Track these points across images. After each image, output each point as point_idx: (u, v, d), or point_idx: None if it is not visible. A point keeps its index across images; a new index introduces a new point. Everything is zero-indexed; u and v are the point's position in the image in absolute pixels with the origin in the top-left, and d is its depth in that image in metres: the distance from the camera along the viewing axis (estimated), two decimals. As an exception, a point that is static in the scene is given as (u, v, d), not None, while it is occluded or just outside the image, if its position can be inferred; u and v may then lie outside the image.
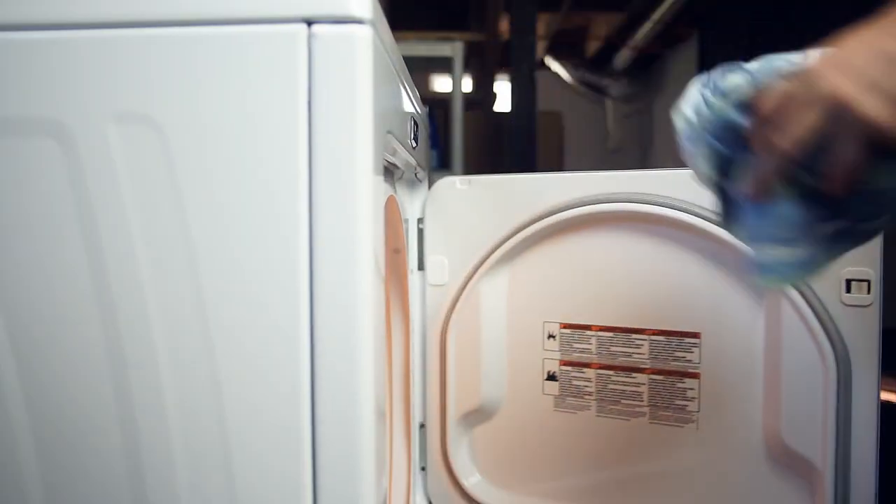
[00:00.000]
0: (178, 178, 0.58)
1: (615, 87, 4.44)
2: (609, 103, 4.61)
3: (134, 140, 0.58)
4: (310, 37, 0.57)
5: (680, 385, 0.96)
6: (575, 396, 1.02)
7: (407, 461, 1.06)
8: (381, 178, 0.66)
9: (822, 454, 0.86)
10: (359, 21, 0.57)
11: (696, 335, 0.95)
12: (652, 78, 4.46)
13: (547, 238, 1.01)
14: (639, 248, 0.97)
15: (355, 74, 0.57)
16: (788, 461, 0.90)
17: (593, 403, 1.01)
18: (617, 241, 0.98)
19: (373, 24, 0.58)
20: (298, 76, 0.57)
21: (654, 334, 0.97)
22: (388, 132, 0.67)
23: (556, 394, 1.03)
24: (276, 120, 0.57)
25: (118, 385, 0.59)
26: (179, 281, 0.58)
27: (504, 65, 3.07)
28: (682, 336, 0.95)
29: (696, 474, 0.96)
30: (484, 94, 3.40)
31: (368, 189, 0.58)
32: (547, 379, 1.03)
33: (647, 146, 4.36)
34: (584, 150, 4.24)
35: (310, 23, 0.57)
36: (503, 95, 3.26)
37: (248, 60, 0.57)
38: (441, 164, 2.81)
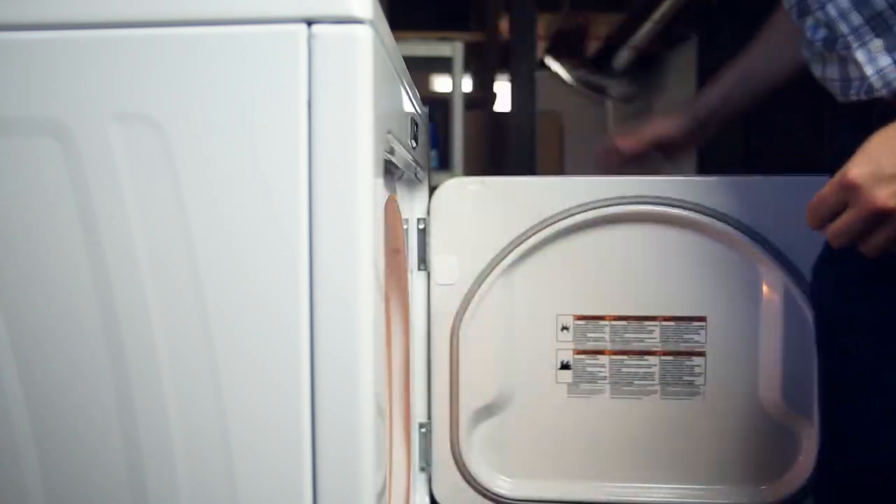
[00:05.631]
0: (179, 177, 0.58)
1: (615, 87, 4.43)
2: (609, 103, 4.60)
3: (134, 140, 0.58)
4: (310, 37, 0.57)
5: (688, 363, 1.06)
6: (588, 382, 1.08)
7: (406, 461, 1.06)
8: (381, 178, 0.66)
9: (814, 409, 0.97)
10: (359, 21, 0.57)
11: (702, 319, 1.06)
12: (652, 78, 4.45)
13: (558, 238, 1.06)
14: (648, 243, 1.05)
15: (355, 74, 0.57)
16: (783, 418, 1.03)
17: (607, 387, 1.08)
18: (626, 237, 1.05)
19: (373, 24, 0.58)
20: (298, 76, 0.56)
21: (664, 320, 1.06)
22: (388, 132, 0.67)
23: (570, 381, 1.08)
24: (277, 120, 0.57)
25: (118, 385, 0.59)
26: (180, 280, 0.58)
27: (504, 65, 3.06)
28: (689, 321, 1.06)
29: (704, 441, 1.06)
30: (484, 94, 3.40)
31: (368, 189, 0.58)
32: (560, 368, 1.08)
33: (647, 146, 4.34)
34: (584, 151, 4.24)
35: (310, 23, 0.57)
36: (503, 95, 3.26)
37: (248, 60, 0.57)
38: (441, 164, 2.81)
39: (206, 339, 0.58)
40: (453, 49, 2.69)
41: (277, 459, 0.59)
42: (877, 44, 0.76)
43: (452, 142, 2.77)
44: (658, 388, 1.07)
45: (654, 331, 1.07)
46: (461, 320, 1.05)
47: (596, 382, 1.08)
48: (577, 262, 1.07)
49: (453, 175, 2.75)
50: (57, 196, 0.59)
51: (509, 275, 1.06)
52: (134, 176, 0.58)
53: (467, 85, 3.25)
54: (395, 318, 1.05)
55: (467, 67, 3.00)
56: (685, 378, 1.07)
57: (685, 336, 1.06)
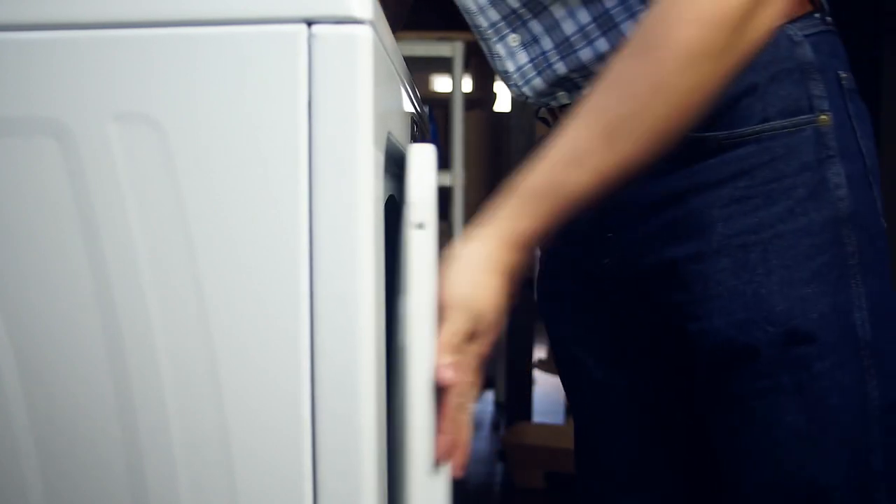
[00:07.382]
0: (179, 177, 0.58)
1: (615, 87, 4.43)
2: (609, 103, 4.60)
3: (134, 139, 0.58)
4: (310, 37, 0.57)
5: None
6: None
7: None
8: (382, 177, 0.66)
9: None
10: (359, 21, 0.57)
11: None
12: (652, 78, 4.45)
13: None
14: None
15: (355, 75, 0.57)
16: None
17: None
18: None
19: (373, 24, 0.58)
20: (298, 76, 0.57)
21: None
22: (388, 132, 0.67)
23: None
24: (277, 120, 0.57)
25: (118, 384, 0.60)
26: (180, 280, 0.58)
27: (504, 65, 3.05)
28: None
29: None
30: (484, 94, 3.40)
31: (369, 188, 0.58)
32: None
33: (647, 146, 4.35)
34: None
35: (310, 23, 0.57)
36: (503, 95, 3.26)
37: (247, 60, 0.57)
38: (441, 164, 2.81)
39: (206, 339, 0.58)
40: (453, 49, 2.69)
41: (278, 459, 0.59)
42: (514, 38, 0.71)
43: (452, 142, 2.77)
44: None
45: None
46: None
47: None
48: None
49: (453, 175, 2.75)
50: (57, 196, 0.59)
51: None
52: (134, 176, 0.58)
53: (467, 85, 3.25)
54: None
55: (467, 67, 3.00)
56: None
57: None
